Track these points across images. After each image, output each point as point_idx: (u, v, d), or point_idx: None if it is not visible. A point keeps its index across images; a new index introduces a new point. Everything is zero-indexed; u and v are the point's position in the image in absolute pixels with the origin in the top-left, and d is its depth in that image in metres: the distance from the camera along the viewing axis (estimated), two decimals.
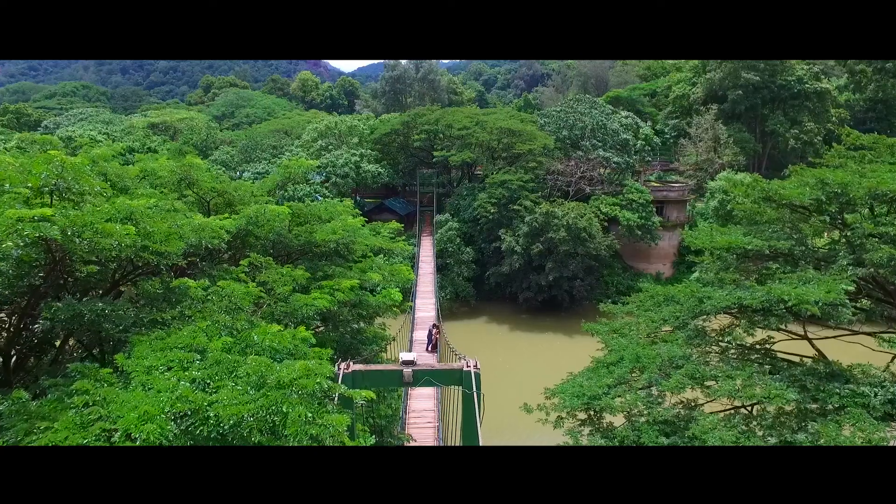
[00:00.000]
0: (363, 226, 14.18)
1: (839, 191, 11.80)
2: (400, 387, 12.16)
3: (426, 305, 29.80)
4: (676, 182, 53.67)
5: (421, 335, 25.23)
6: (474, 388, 10.65)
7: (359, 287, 11.25)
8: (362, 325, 12.74)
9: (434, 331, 24.27)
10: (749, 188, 14.10)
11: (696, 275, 48.46)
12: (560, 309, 41.90)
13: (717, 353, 12.57)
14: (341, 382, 9.22)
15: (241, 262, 9.85)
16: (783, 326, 12.09)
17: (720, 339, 12.81)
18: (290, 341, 7.65)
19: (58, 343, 9.08)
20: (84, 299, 8.26)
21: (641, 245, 46.50)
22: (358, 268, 12.32)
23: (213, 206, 11.74)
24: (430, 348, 24.00)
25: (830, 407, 10.58)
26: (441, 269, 41.31)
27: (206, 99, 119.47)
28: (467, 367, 11.42)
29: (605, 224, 42.75)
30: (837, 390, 10.53)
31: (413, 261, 40.54)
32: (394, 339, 17.06)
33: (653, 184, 51.64)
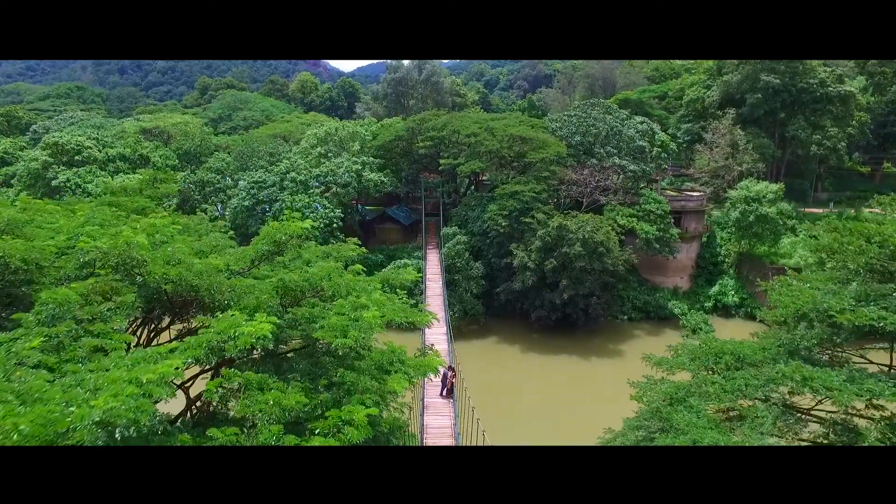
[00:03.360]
0: (353, 257, 11.52)
1: None
2: None
3: (436, 335, 27.20)
4: (694, 191, 51.24)
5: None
6: None
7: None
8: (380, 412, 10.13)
9: (450, 373, 21.84)
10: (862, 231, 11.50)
11: (716, 289, 46.18)
12: (575, 328, 39.51)
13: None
14: None
15: (208, 386, 7.25)
16: None
17: (833, 429, 10.24)
18: None
19: None
20: None
21: (658, 258, 44.12)
22: (373, 363, 9.19)
23: (168, 292, 9.08)
24: (444, 393, 21.63)
25: None
26: (448, 284, 38.84)
27: (202, 101, 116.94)
28: None
29: (622, 237, 40.28)
30: None
31: (419, 276, 38.11)
32: (410, 408, 14.52)
33: (670, 192, 49.22)
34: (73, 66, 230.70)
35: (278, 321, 7.41)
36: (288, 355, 9.05)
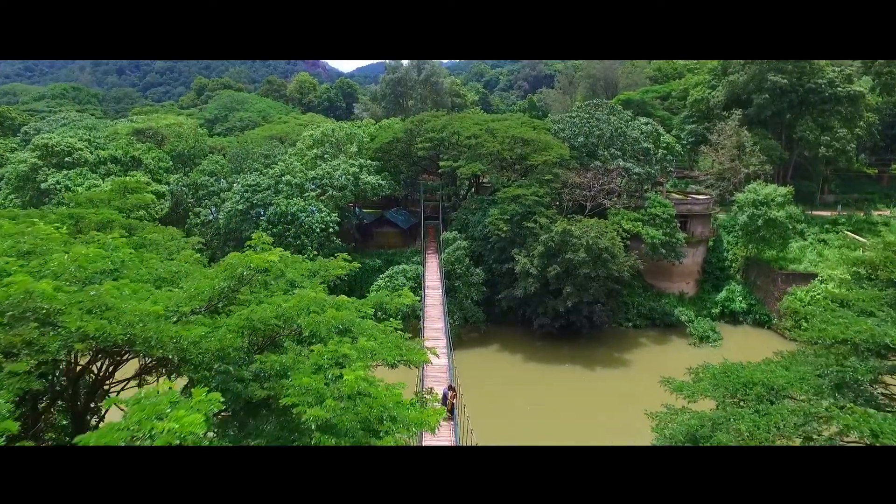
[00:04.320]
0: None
1: None
2: None
3: (436, 347, 25.85)
4: (699, 193, 50.02)
5: None
6: None
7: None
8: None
9: (450, 393, 20.61)
10: None
11: (723, 294, 44.89)
12: (579, 336, 38.29)
13: None
14: None
15: None
16: None
17: None
18: None
19: None
20: None
21: (664, 263, 42.90)
22: (359, 420, 7.21)
23: (89, 348, 7.05)
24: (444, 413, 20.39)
25: None
26: (448, 291, 37.60)
27: (198, 102, 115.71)
28: None
29: (627, 242, 39.04)
30: None
31: (418, 284, 36.87)
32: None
33: (675, 196, 47.99)
34: (72, 66, 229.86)
35: (222, 398, 5.91)
36: (255, 402, 7.69)
